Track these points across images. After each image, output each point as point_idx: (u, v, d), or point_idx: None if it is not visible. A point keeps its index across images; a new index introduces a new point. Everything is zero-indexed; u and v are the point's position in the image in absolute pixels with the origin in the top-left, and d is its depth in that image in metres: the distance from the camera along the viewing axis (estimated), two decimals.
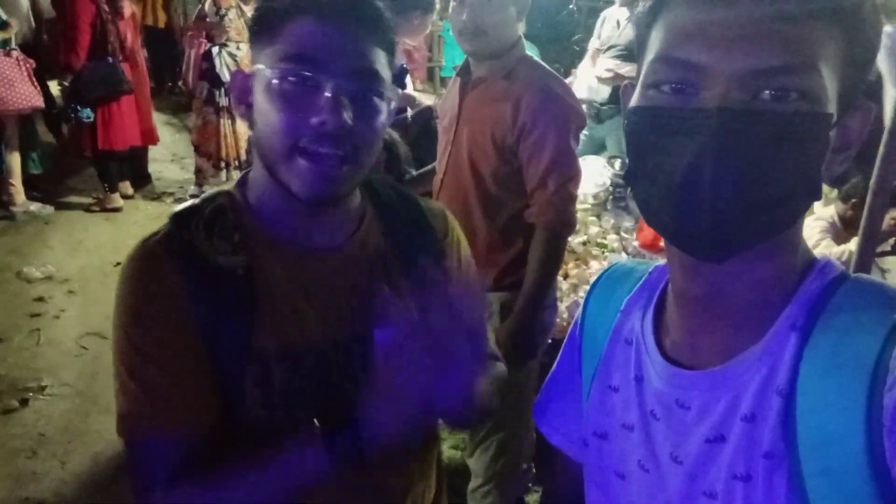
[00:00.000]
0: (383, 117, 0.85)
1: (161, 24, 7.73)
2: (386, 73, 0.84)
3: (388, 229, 0.98)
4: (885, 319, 0.54)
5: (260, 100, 0.81)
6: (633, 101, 0.61)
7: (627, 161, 0.62)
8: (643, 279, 0.76)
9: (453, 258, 1.04)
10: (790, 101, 0.53)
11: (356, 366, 0.90)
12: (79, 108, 4.70)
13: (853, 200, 2.98)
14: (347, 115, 0.78)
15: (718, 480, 0.61)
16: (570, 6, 9.36)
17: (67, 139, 5.08)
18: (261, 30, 0.83)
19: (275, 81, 0.79)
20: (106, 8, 4.71)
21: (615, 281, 0.81)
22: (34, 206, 4.87)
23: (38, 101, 4.62)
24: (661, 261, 0.75)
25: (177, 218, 0.87)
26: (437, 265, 0.99)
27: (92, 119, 4.75)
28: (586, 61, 4.41)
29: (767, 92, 0.53)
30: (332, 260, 0.91)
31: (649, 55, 0.59)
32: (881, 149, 1.82)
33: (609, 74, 3.86)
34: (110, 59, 4.77)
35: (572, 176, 1.85)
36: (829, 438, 0.54)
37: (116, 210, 5.09)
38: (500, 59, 1.86)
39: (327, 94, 0.78)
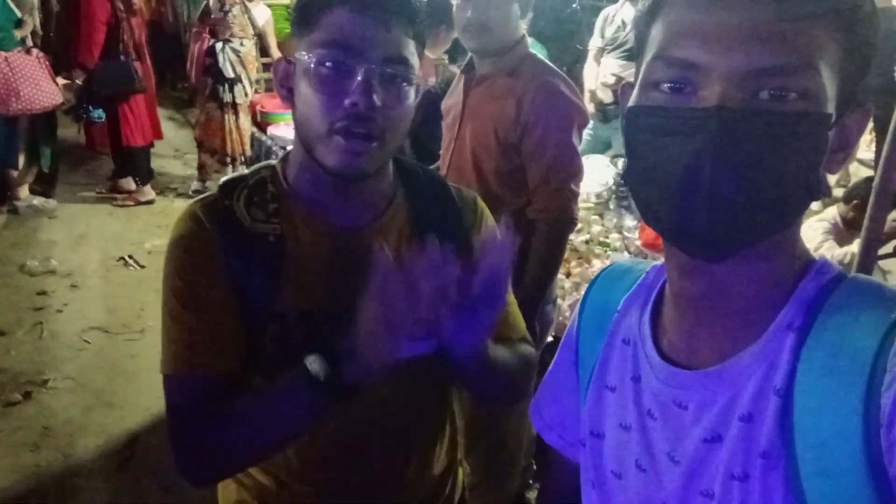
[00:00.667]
0: (411, 101, 0.91)
1: (162, 19, 7.75)
2: (414, 60, 0.90)
3: (415, 213, 1.03)
4: (882, 319, 0.54)
5: (300, 84, 0.89)
6: (632, 100, 0.61)
7: (627, 160, 0.62)
8: (641, 279, 0.76)
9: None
10: (789, 100, 0.53)
11: None
12: (90, 108, 4.72)
13: (855, 202, 2.98)
14: (377, 98, 0.85)
15: (715, 480, 0.61)
16: (574, 5, 9.35)
17: (87, 138, 5.10)
18: (300, 20, 0.90)
19: (312, 67, 0.86)
20: (121, 6, 4.72)
21: (612, 281, 0.81)
22: (37, 201, 4.89)
23: (60, 98, 4.63)
24: (661, 260, 0.74)
25: (223, 186, 0.96)
26: (460, 253, 0.99)
27: (103, 119, 4.77)
28: (590, 61, 4.40)
29: (766, 91, 0.53)
30: (356, 237, 0.97)
31: (648, 54, 0.59)
32: (884, 150, 1.82)
33: (613, 80, 3.85)
34: (123, 58, 4.78)
35: (574, 173, 1.86)
36: (827, 438, 0.54)
37: (150, 203, 5.20)
38: (503, 57, 1.87)
39: (359, 79, 0.84)
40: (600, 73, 4.22)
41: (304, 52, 0.88)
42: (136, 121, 5.01)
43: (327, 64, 0.86)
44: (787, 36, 0.52)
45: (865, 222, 1.91)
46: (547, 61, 1.97)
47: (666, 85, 0.57)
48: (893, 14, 4.32)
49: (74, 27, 4.67)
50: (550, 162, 1.81)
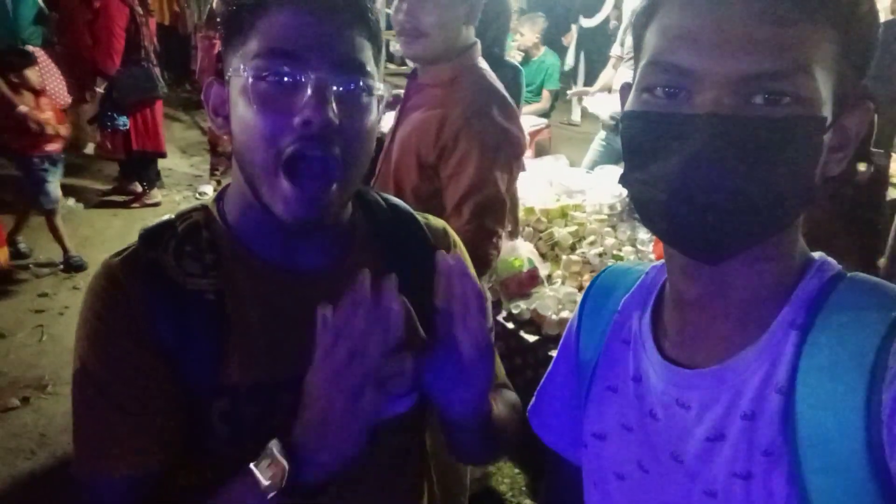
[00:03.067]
0: (373, 118, 0.76)
1: (167, 21, 7.75)
2: (372, 67, 0.76)
3: (384, 247, 0.89)
4: (883, 317, 0.55)
5: (238, 107, 0.73)
6: (629, 104, 0.62)
7: (624, 163, 0.62)
8: (640, 280, 0.76)
9: None
10: (783, 105, 0.53)
11: None
12: (115, 115, 4.66)
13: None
14: (333, 113, 0.70)
15: (718, 479, 0.61)
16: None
17: (100, 143, 5.08)
18: (231, 30, 0.74)
19: (250, 82, 0.70)
20: (140, 10, 4.68)
21: (611, 282, 0.80)
22: (70, 201, 4.86)
23: (69, 99, 4.59)
24: (660, 261, 0.74)
25: (145, 236, 0.80)
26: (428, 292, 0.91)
27: (127, 126, 4.74)
28: (608, 69, 4.35)
29: (760, 96, 0.53)
30: (321, 282, 0.81)
31: (644, 58, 0.60)
32: None
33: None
34: (144, 64, 4.73)
35: (491, 207, 1.64)
36: (829, 435, 0.54)
37: (156, 205, 5.15)
38: (442, 66, 1.69)
39: (309, 90, 0.69)
40: (614, 83, 4.16)
41: (238, 67, 0.72)
42: (153, 127, 4.96)
43: (268, 77, 0.70)
44: (780, 41, 0.52)
45: (890, 243, 1.86)
46: (490, 77, 1.76)
47: (660, 90, 0.57)
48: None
49: (93, 34, 4.60)
50: (466, 190, 1.60)
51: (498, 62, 2.69)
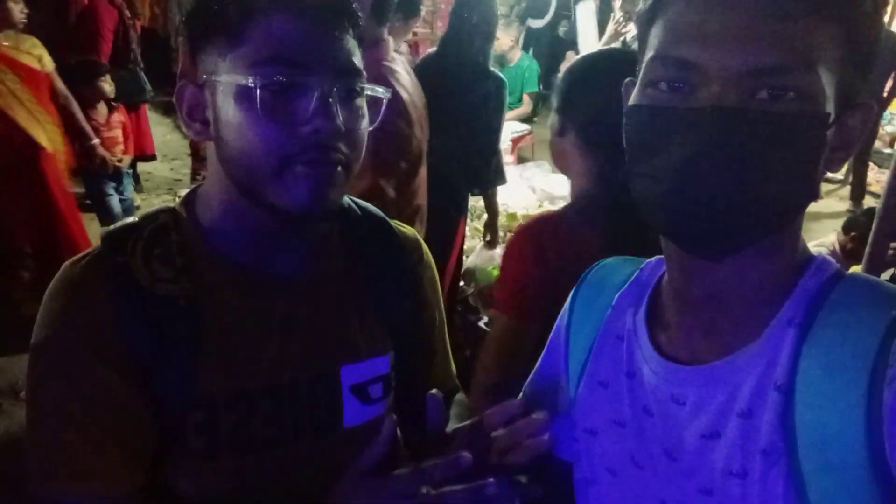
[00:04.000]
0: (367, 119, 0.77)
1: (147, 24, 7.66)
2: (361, 67, 0.77)
3: (356, 254, 0.89)
4: (883, 315, 0.55)
5: (229, 113, 0.71)
6: (632, 98, 0.62)
7: (626, 157, 0.62)
8: (635, 275, 0.76)
9: (426, 287, 0.97)
10: (786, 100, 0.53)
11: (321, 410, 0.82)
12: None
13: (853, 233, 2.98)
14: (340, 121, 0.71)
15: (714, 477, 0.61)
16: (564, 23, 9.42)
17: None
18: (216, 32, 0.72)
19: (252, 90, 0.69)
20: (128, 13, 4.61)
21: (604, 278, 0.80)
22: None
23: None
24: (655, 257, 0.74)
25: (109, 238, 0.76)
26: (411, 294, 0.92)
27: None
28: None
29: (764, 91, 0.53)
30: (294, 288, 0.81)
31: (648, 53, 0.60)
32: (889, 177, 1.80)
33: None
34: (131, 67, 4.65)
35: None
36: (829, 434, 0.54)
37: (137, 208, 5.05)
38: None
39: (317, 99, 0.70)
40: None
41: (231, 73, 0.71)
42: (146, 129, 4.88)
43: (273, 84, 0.69)
44: (784, 36, 0.52)
45: (868, 247, 1.90)
46: (401, 78, 1.83)
47: (664, 84, 0.57)
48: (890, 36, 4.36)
49: (80, 36, 4.50)
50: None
51: (483, 73, 2.71)
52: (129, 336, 0.71)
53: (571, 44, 6.08)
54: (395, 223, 0.96)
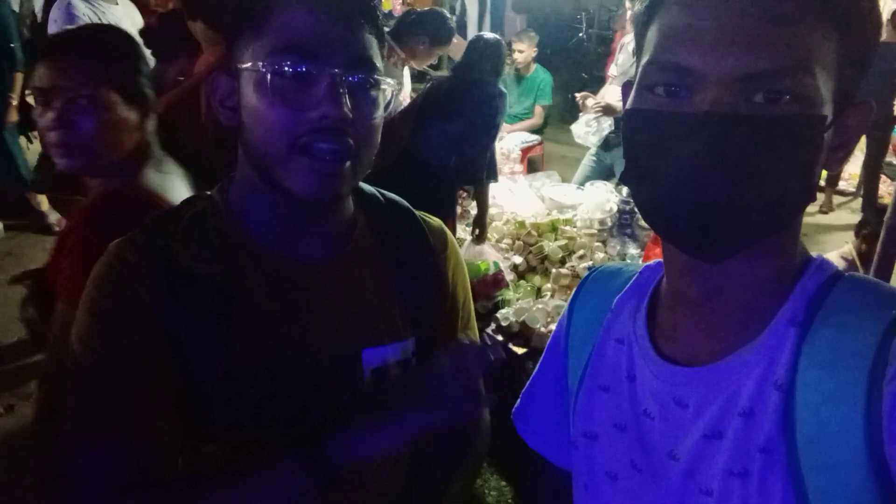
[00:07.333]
0: (381, 111, 0.81)
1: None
2: (380, 63, 0.81)
3: (382, 242, 0.92)
4: (883, 315, 0.55)
5: (251, 99, 0.77)
6: (629, 102, 0.62)
7: (625, 162, 0.62)
8: (634, 279, 0.76)
9: (450, 277, 0.98)
10: (782, 103, 0.53)
11: (342, 388, 0.84)
12: None
13: (864, 232, 2.97)
14: (347, 108, 0.74)
15: (715, 478, 0.60)
16: (580, 34, 9.46)
17: None
18: (241, 25, 0.78)
19: (269, 77, 0.74)
20: None
21: (602, 282, 0.80)
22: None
23: None
24: (654, 260, 0.75)
25: (153, 222, 0.82)
26: (434, 283, 0.94)
27: None
28: (607, 87, 4.39)
29: (760, 95, 0.53)
30: (320, 272, 0.85)
31: (645, 56, 0.60)
32: None
33: (597, 111, 3.81)
34: None
35: None
36: (829, 432, 0.54)
37: None
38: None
39: (326, 87, 0.74)
40: (603, 102, 4.19)
41: (253, 62, 0.76)
42: None
43: (285, 73, 0.74)
44: (780, 39, 0.52)
45: (877, 252, 1.89)
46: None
47: (661, 88, 0.57)
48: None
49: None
50: None
51: (475, 83, 2.87)
52: (168, 311, 0.77)
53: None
54: (421, 214, 0.99)
